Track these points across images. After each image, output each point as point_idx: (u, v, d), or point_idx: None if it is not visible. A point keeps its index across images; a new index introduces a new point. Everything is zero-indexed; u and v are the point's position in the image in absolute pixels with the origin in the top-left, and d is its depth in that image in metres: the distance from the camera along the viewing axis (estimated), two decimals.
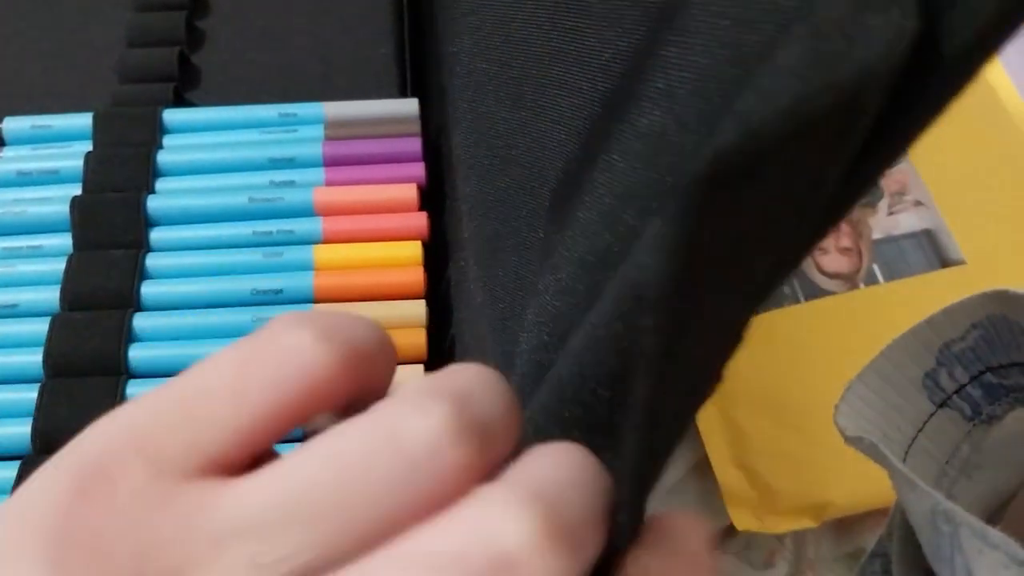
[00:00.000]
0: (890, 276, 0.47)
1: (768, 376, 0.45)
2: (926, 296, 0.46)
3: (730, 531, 0.46)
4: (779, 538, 0.46)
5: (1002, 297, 0.27)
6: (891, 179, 0.49)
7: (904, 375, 0.28)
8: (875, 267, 0.47)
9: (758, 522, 0.43)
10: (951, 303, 0.28)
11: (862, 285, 0.47)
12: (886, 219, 0.48)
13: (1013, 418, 0.29)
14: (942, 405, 0.28)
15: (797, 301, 0.47)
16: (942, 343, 0.28)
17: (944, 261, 0.47)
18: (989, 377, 0.28)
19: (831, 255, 0.48)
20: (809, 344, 0.46)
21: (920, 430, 0.28)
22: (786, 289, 0.47)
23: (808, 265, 0.47)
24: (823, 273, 0.47)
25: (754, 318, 0.18)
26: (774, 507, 0.43)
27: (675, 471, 0.46)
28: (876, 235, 0.48)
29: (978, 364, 0.28)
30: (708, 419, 0.45)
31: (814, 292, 0.47)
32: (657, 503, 0.48)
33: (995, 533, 0.22)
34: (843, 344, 0.45)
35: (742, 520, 0.43)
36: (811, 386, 0.44)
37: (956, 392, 0.28)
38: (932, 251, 0.47)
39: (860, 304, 0.46)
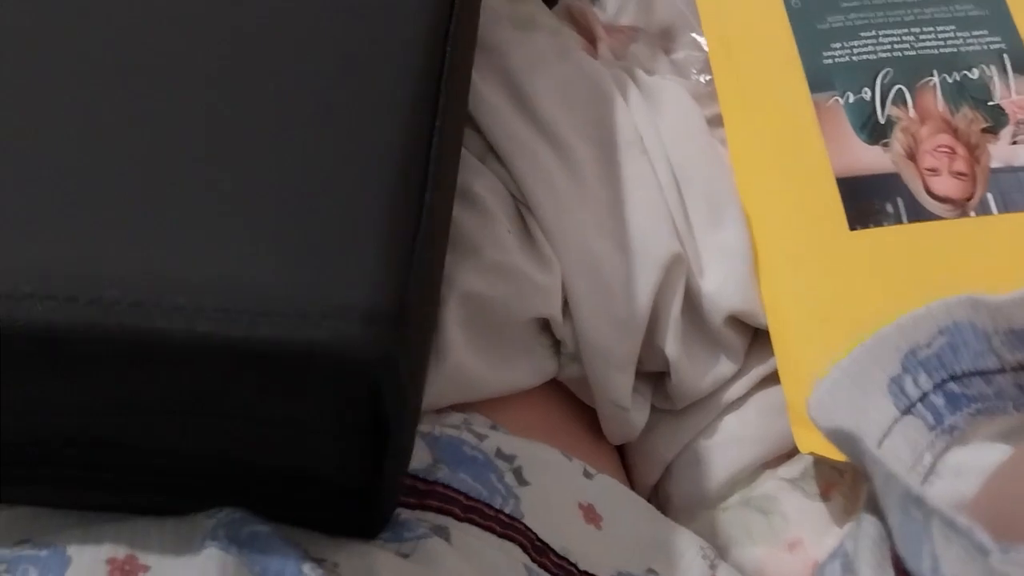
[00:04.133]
0: (1004, 208, 0.43)
1: (856, 294, 0.42)
2: None
3: (788, 455, 0.43)
4: (840, 471, 0.43)
5: (972, 303, 0.27)
6: (1017, 105, 0.45)
7: (870, 379, 0.28)
8: (989, 196, 0.43)
9: (824, 447, 0.40)
10: (919, 309, 0.28)
11: (972, 214, 0.43)
12: (1008, 148, 0.44)
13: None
14: (906, 412, 0.28)
15: (899, 221, 0.43)
16: (908, 349, 0.28)
17: None
18: (952, 386, 0.28)
19: (943, 177, 0.44)
20: (904, 267, 0.42)
21: (886, 435, 0.27)
22: (888, 207, 0.43)
23: (916, 185, 0.44)
24: (932, 196, 0.43)
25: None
26: None
27: (739, 385, 0.43)
28: (995, 164, 0.44)
29: (942, 372, 0.28)
30: (784, 330, 0.42)
31: (919, 214, 0.43)
32: (715, 419, 0.45)
33: (963, 521, 0.22)
34: (942, 271, 0.42)
35: (807, 442, 0.40)
36: (901, 311, 0.41)
37: (920, 400, 0.28)
38: None
39: (968, 233, 0.43)
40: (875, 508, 0.27)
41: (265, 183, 0.26)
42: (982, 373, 0.28)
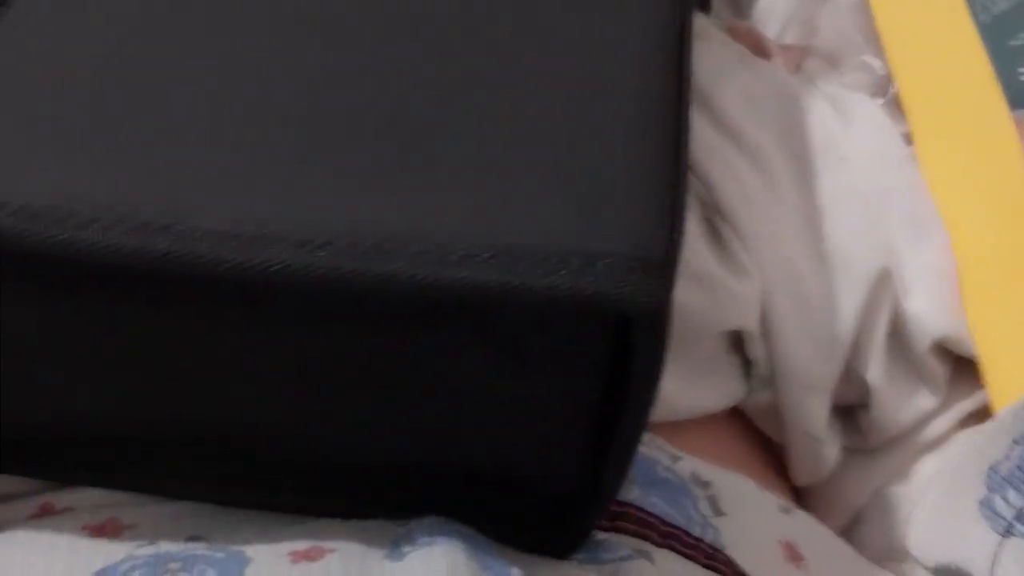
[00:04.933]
0: None
1: None
2: None
3: None
4: None
5: None
6: None
7: (961, 507, 0.27)
8: None
9: None
10: (989, 422, 0.27)
11: None
12: None
13: None
14: (1007, 534, 0.26)
15: None
16: (988, 466, 0.27)
17: None
18: None
19: None
20: None
21: (994, 562, 0.26)
22: None
23: None
24: None
25: None
26: None
27: (940, 422, 0.39)
28: None
29: None
30: (996, 359, 0.38)
31: None
32: (912, 460, 0.40)
33: None
34: None
35: None
36: None
37: (1016, 518, 0.26)
38: None
39: None
40: None
41: (530, 130, 0.24)
42: None
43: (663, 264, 0.22)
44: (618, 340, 0.24)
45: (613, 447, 0.25)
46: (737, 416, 0.39)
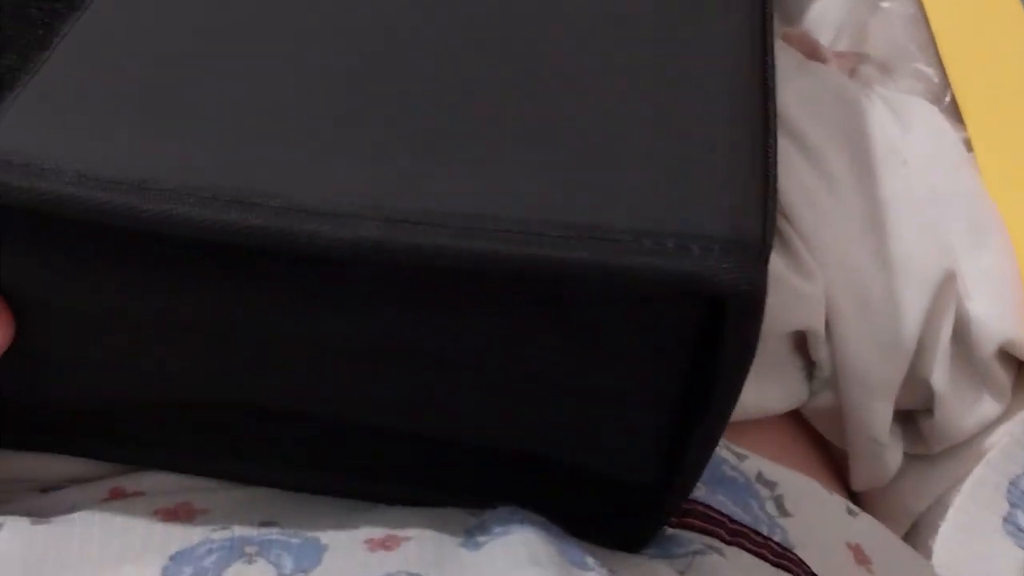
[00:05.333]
0: None
1: None
2: None
3: None
4: None
5: None
6: None
7: (985, 524, 0.27)
8: None
9: None
10: (1004, 438, 0.27)
11: None
12: None
13: None
14: None
15: None
16: (1008, 482, 0.27)
17: None
18: None
19: None
20: None
21: None
22: None
23: None
24: None
25: None
26: None
27: (1004, 430, 0.38)
28: None
29: None
30: None
31: None
32: (973, 468, 0.40)
33: None
34: None
35: None
36: None
37: None
38: None
39: None
40: None
41: (621, 111, 0.24)
42: None
43: (760, 248, 0.22)
44: (703, 328, 0.24)
45: (695, 438, 0.25)
46: (795, 418, 0.39)
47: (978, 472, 0.28)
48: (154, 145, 0.23)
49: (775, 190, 0.23)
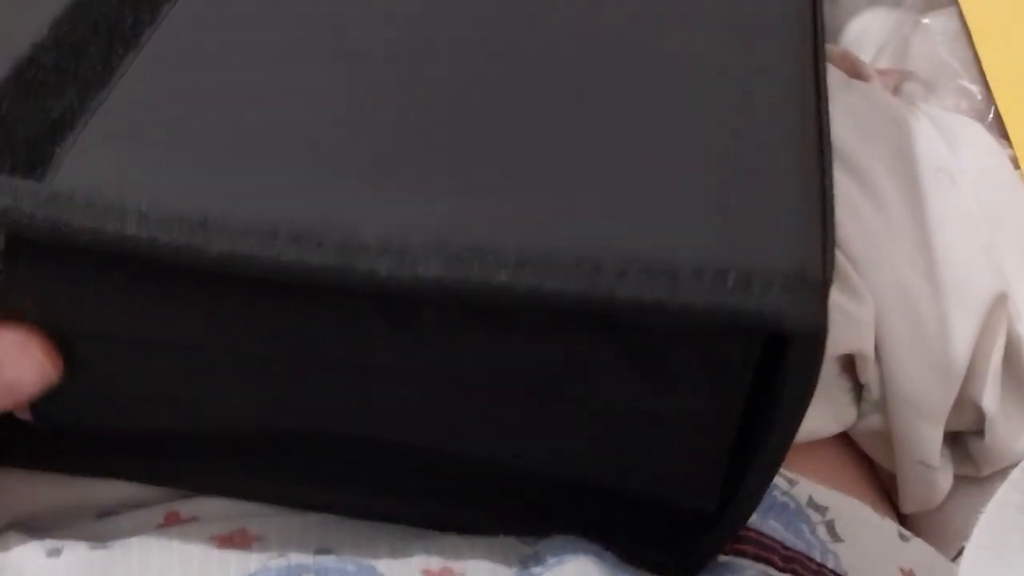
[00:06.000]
0: None
1: None
2: None
3: None
4: None
5: None
6: None
7: (1009, 548, 0.26)
8: None
9: None
10: None
11: None
12: None
13: None
14: None
15: None
16: None
17: None
18: None
19: None
20: None
21: None
22: None
23: None
24: None
25: None
26: None
27: None
28: None
29: None
30: None
31: None
32: None
33: None
34: None
35: None
36: None
37: None
38: None
39: None
40: None
41: (681, 145, 0.24)
42: None
43: (820, 283, 0.21)
44: (763, 360, 0.24)
45: (755, 468, 0.24)
46: (843, 441, 0.38)
47: (1000, 494, 0.26)
48: (215, 181, 0.23)
49: (833, 221, 0.23)
